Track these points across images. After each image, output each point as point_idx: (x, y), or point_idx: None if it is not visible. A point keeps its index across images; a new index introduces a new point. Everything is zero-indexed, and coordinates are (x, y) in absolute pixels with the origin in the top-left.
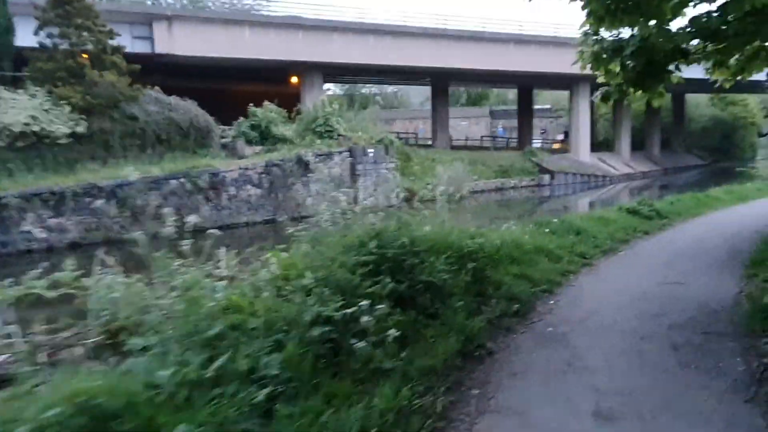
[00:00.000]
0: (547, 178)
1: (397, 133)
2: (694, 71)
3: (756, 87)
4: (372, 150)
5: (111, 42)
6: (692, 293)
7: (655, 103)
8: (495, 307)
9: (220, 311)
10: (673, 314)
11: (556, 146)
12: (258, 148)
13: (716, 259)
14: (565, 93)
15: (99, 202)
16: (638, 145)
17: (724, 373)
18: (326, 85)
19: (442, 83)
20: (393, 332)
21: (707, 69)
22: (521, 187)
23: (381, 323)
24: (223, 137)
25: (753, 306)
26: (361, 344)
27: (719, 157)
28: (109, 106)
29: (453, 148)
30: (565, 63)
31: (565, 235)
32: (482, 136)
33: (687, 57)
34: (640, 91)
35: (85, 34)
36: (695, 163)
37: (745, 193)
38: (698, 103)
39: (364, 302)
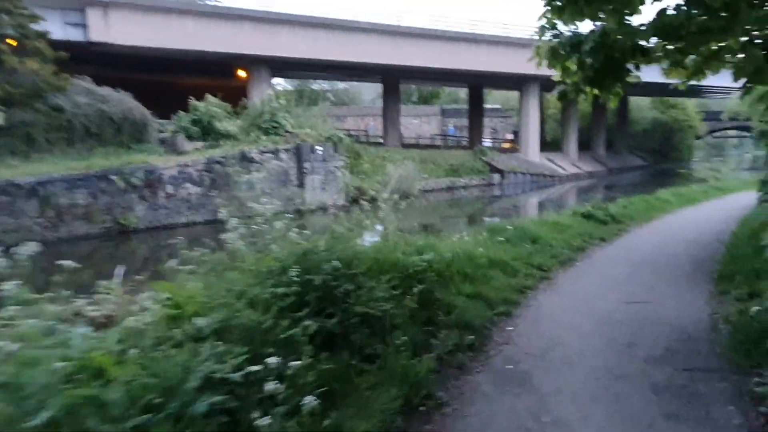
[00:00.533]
0: (497, 177)
1: (348, 130)
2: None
3: (694, 92)
4: (320, 147)
5: (34, 27)
6: (663, 315)
7: (612, 104)
8: (446, 339)
9: (63, 379)
10: (646, 343)
11: (506, 146)
12: (199, 144)
13: (681, 271)
14: (515, 93)
15: (18, 202)
16: (585, 145)
17: (718, 428)
18: (275, 80)
19: (394, 81)
20: (311, 400)
21: (664, 69)
22: (472, 186)
23: (298, 382)
24: (161, 132)
25: (734, 333)
26: (265, 420)
27: (660, 158)
28: (31, 97)
29: (404, 146)
30: (516, 63)
31: (520, 244)
32: (432, 135)
33: (647, 55)
34: (597, 90)
35: (5, 17)
36: (638, 163)
37: (692, 195)
38: (641, 106)
39: (273, 360)
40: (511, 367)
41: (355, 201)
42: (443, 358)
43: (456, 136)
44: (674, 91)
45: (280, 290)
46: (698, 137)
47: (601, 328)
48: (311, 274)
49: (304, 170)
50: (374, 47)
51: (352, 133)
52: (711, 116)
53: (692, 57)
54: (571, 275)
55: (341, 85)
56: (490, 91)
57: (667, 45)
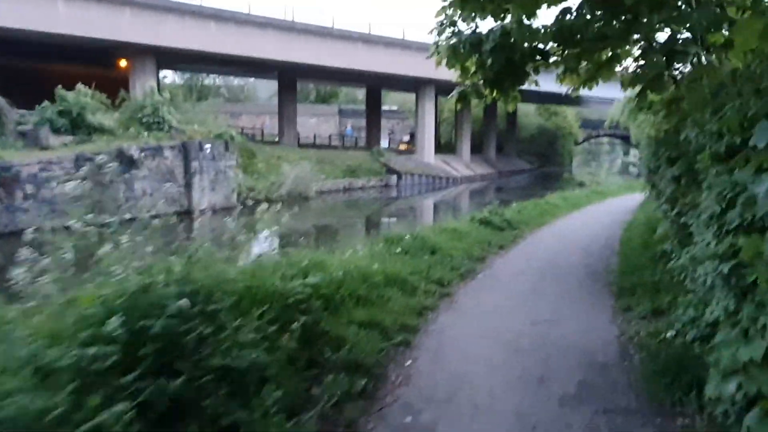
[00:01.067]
0: (394, 178)
1: (243, 128)
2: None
3: (574, 101)
4: (210, 145)
5: None
6: (571, 338)
7: (509, 107)
8: (332, 386)
9: None
10: (559, 376)
11: (402, 147)
12: (68, 138)
13: (580, 282)
14: (413, 96)
15: None
16: (477, 148)
17: None
18: (164, 73)
19: (290, 78)
20: None
21: (559, 75)
22: (369, 187)
23: None
24: (21, 124)
25: (648, 361)
26: None
27: (544, 162)
28: None
29: (301, 146)
30: (412, 66)
31: (419, 255)
32: (330, 135)
33: (546, 59)
34: (496, 93)
35: None
36: (525, 167)
37: (577, 200)
38: (527, 112)
39: None
40: (411, 418)
41: (245, 203)
42: (327, 415)
43: (354, 137)
44: (557, 99)
45: (93, 350)
46: (577, 143)
47: (510, 357)
48: (148, 319)
49: (192, 170)
50: (269, 42)
51: (247, 131)
52: (588, 124)
53: (585, 64)
54: (473, 290)
55: (236, 81)
56: (387, 92)
57: (564, 50)
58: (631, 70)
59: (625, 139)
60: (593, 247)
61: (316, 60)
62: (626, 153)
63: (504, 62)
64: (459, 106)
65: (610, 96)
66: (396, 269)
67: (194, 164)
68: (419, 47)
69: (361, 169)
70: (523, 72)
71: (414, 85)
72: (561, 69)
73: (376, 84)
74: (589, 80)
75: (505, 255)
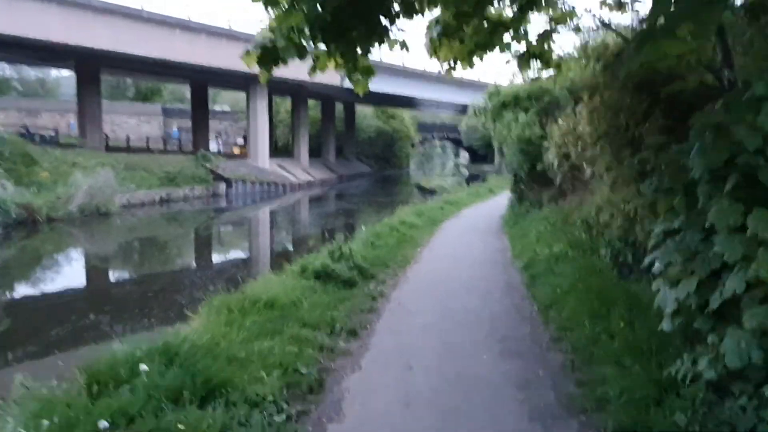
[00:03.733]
0: (223, 186)
1: (26, 127)
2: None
3: (409, 103)
4: None
5: None
6: None
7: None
8: None
9: None
10: None
11: (236, 151)
12: None
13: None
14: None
15: None
16: (316, 152)
17: None
18: None
19: (92, 68)
20: None
21: (432, 40)
22: (193, 197)
23: None
24: None
25: None
26: None
27: (383, 165)
28: None
29: (110, 149)
30: (240, 60)
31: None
32: (148, 137)
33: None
34: (339, 56)
35: None
36: (365, 170)
37: (433, 214)
38: (366, 114)
39: None
40: None
41: (20, 223)
42: None
43: (178, 139)
44: (394, 101)
45: None
46: (413, 146)
47: None
48: None
49: None
50: (58, 22)
51: (46, 132)
52: (423, 127)
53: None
54: None
55: (34, 73)
56: (219, 91)
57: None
58: None
59: (457, 142)
60: (492, 302)
61: (121, 46)
62: (457, 155)
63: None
64: (292, 107)
65: (444, 99)
66: None
67: None
68: (249, 40)
69: (183, 176)
70: (378, 20)
71: (244, 82)
72: (436, 31)
73: (201, 80)
74: (480, 49)
75: (363, 357)
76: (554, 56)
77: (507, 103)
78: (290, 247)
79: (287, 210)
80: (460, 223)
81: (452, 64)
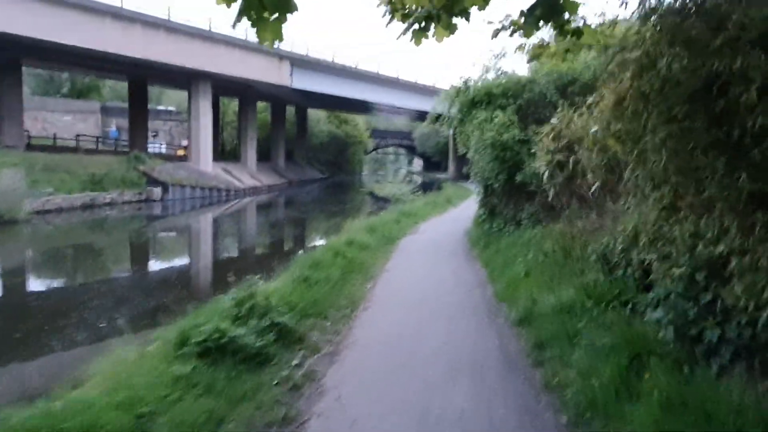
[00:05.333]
0: (158, 191)
1: None
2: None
3: (362, 108)
4: None
5: None
6: None
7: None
8: None
9: None
10: None
11: (180, 153)
12: None
13: None
14: None
15: None
16: (265, 156)
17: None
18: None
19: (10, 58)
20: None
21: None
22: (123, 203)
23: None
24: None
25: None
26: None
27: (336, 170)
28: None
29: (32, 147)
30: (183, 55)
31: None
32: (78, 135)
33: None
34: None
35: None
36: (317, 176)
37: (387, 229)
38: (318, 118)
39: None
40: None
41: None
42: None
43: (115, 140)
44: (348, 106)
45: None
46: (366, 152)
47: None
48: None
49: None
50: None
51: None
52: (377, 133)
53: None
54: None
55: None
56: (165, 90)
57: None
58: None
59: (411, 149)
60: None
61: (41, 33)
62: (410, 162)
63: None
64: (239, 109)
65: (399, 104)
66: None
67: None
68: (192, 33)
69: (110, 179)
70: None
71: (186, 79)
72: None
73: (139, 75)
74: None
75: None
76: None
77: (478, 100)
78: (210, 275)
79: (226, 219)
80: (420, 241)
81: (421, 26)
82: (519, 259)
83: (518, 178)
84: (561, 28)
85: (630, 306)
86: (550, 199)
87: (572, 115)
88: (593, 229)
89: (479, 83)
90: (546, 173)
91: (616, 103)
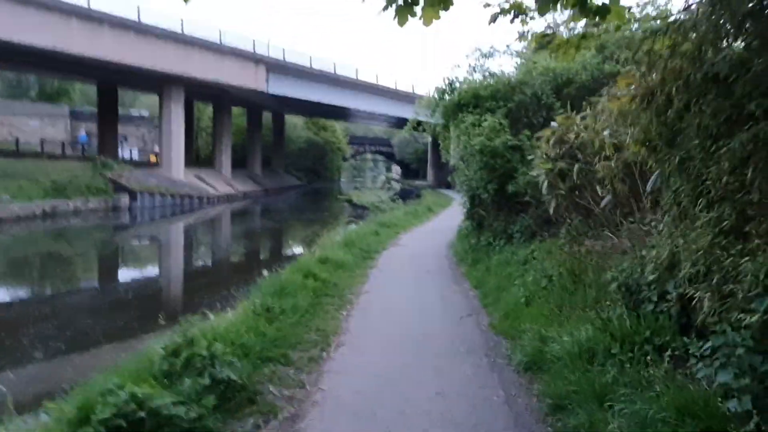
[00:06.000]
0: (126, 199)
1: None
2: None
3: (340, 114)
4: None
5: None
6: None
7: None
8: None
9: None
10: None
11: (153, 159)
12: None
13: None
14: None
15: None
16: (241, 162)
17: None
18: None
19: None
20: None
21: None
22: (87, 211)
23: None
24: None
25: None
26: None
27: (313, 177)
28: None
29: None
30: (154, 57)
31: None
32: (42, 140)
33: None
34: None
35: None
36: (294, 183)
37: (365, 242)
38: (296, 124)
39: None
40: None
41: None
42: None
43: (84, 145)
44: (326, 112)
45: None
46: (345, 159)
47: None
48: None
49: None
50: None
51: None
52: (355, 140)
53: None
54: None
55: None
56: (138, 95)
57: None
58: None
59: (390, 156)
60: None
61: (1, 32)
62: (389, 169)
63: None
64: (213, 114)
65: (377, 111)
66: None
67: None
68: (163, 36)
69: (74, 186)
70: None
71: (157, 83)
72: None
73: (109, 79)
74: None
75: None
76: None
77: (465, 103)
78: (168, 295)
79: (195, 229)
80: (401, 255)
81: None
82: (516, 281)
83: (510, 188)
84: (582, 6)
85: (668, 353)
86: (551, 212)
87: (575, 118)
88: (605, 251)
89: (465, 85)
90: (545, 183)
91: (642, 98)
